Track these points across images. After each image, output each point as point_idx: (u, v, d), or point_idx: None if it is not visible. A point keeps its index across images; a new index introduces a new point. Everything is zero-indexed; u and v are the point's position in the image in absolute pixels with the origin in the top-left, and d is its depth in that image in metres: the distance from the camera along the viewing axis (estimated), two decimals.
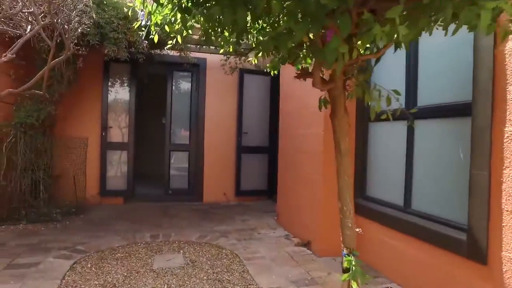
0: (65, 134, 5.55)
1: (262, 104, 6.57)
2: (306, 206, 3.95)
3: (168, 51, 5.74)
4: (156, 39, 2.19)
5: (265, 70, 2.60)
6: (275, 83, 6.56)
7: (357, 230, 1.84)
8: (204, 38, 1.98)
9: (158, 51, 5.75)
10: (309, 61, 2.01)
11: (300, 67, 2.01)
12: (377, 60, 1.79)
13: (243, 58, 5.78)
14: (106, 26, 4.25)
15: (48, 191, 4.92)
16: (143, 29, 2.20)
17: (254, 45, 2.28)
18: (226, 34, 2.05)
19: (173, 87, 6.48)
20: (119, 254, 3.56)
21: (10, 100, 4.67)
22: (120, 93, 6.07)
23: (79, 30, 3.68)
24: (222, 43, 2.10)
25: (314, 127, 3.75)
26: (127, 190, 6.04)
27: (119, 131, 6.08)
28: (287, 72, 4.59)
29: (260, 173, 6.58)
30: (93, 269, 3.18)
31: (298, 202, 4.18)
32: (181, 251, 3.71)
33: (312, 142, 3.82)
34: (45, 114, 4.60)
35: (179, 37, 2.12)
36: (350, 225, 1.80)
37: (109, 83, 5.97)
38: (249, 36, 2.28)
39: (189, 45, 5.35)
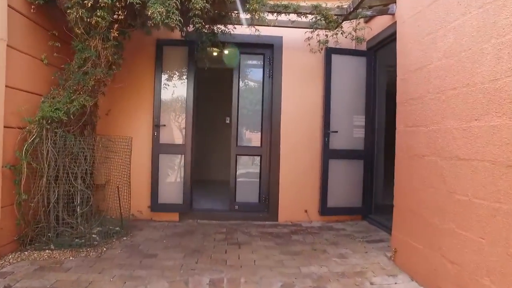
0: (108, 132, 4.46)
1: (355, 93, 4.96)
2: (468, 252, 2.29)
3: (234, 27, 4.44)
4: None
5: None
6: (372, 65, 4.93)
7: None
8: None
9: (221, 27, 4.46)
10: None
11: None
12: None
13: (335, 29, 4.25)
14: None
15: (86, 205, 3.82)
16: None
17: None
18: None
19: (240, 75, 5.14)
20: None
21: (37, 90, 3.65)
22: (175, 83, 4.87)
23: None
24: None
25: (494, 115, 2.10)
26: (184, 204, 4.80)
27: (174, 130, 4.88)
28: (414, 31, 2.97)
29: (352, 185, 4.96)
30: None
31: (445, 241, 2.53)
32: None
33: (485, 142, 2.16)
34: (78, 106, 3.48)
35: None
36: None
37: (162, 72, 4.80)
38: None
39: (264, 14, 3.92)
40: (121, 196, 4.23)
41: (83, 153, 3.83)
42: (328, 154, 4.86)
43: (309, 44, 4.35)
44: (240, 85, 5.12)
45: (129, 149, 4.15)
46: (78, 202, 3.83)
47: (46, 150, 3.38)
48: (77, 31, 3.34)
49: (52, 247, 3.43)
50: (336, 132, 4.85)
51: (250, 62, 5.31)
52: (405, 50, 3.19)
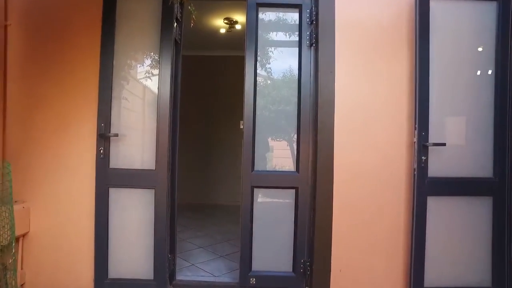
0: (8, 149, 2.36)
1: (476, 73, 2.65)
2: None
3: None
4: None
5: None
6: (510, 17, 2.62)
7: None
8: None
9: None
10: None
11: None
12: None
13: None
14: None
15: None
16: None
17: None
18: None
19: (258, 54, 2.90)
20: None
21: None
22: (138, 65, 2.73)
23: None
24: None
25: None
26: (156, 280, 2.59)
27: (137, 145, 2.71)
28: None
29: (472, 244, 2.62)
30: None
31: None
32: None
33: None
34: None
35: None
36: None
37: (115, 45, 2.64)
38: None
39: None
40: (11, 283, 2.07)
41: None
42: (426, 186, 2.54)
43: None
44: (260, 62, 2.90)
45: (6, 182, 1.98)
46: None
47: None
48: None
49: None
50: (443, 145, 2.54)
51: (274, 29, 3.06)
52: None
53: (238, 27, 4.86)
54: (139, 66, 2.73)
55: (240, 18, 4.63)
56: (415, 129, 2.56)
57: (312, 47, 2.82)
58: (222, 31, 5.02)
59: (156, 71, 2.67)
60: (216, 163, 6.30)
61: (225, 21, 4.76)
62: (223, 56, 6.09)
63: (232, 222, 5.02)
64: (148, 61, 2.73)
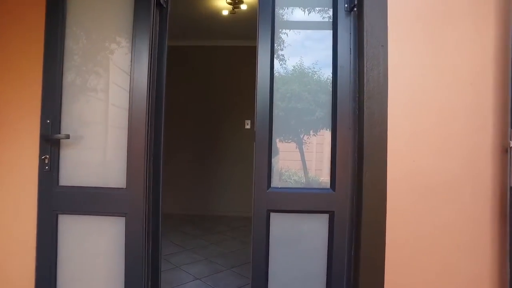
0: None
1: None
2: None
3: None
4: None
5: None
6: None
7: None
8: None
9: None
10: None
11: None
12: None
13: None
14: None
15: None
16: None
17: None
18: None
19: (275, 22, 2.07)
20: None
21: None
22: (104, 35, 1.90)
23: None
24: None
25: None
26: None
27: (99, 152, 1.88)
28: None
29: None
30: None
31: None
32: None
33: None
34: None
35: None
36: None
37: (66, 17, 1.83)
38: None
39: None
40: None
41: None
42: None
43: None
44: (277, 37, 2.08)
45: None
46: None
47: None
48: None
49: None
50: None
51: (293, 4, 2.22)
52: None
53: (243, 7, 4.03)
54: (105, 38, 1.90)
55: None
56: (511, 124, 1.72)
57: (353, 13, 1.99)
58: (225, 13, 4.20)
59: (127, 55, 1.85)
60: (217, 167, 5.48)
61: (229, 0, 3.94)
62: (224, 46, 5.33)
63: (235, 239, 4.25)
64: (118, 31, 1.91)
